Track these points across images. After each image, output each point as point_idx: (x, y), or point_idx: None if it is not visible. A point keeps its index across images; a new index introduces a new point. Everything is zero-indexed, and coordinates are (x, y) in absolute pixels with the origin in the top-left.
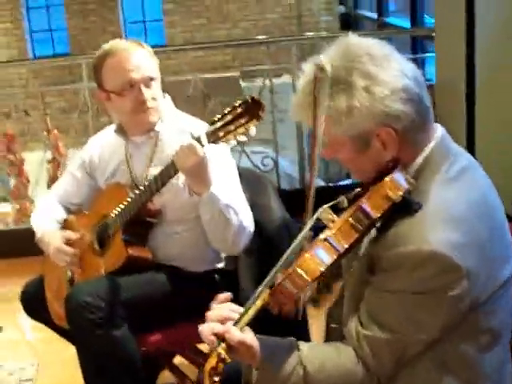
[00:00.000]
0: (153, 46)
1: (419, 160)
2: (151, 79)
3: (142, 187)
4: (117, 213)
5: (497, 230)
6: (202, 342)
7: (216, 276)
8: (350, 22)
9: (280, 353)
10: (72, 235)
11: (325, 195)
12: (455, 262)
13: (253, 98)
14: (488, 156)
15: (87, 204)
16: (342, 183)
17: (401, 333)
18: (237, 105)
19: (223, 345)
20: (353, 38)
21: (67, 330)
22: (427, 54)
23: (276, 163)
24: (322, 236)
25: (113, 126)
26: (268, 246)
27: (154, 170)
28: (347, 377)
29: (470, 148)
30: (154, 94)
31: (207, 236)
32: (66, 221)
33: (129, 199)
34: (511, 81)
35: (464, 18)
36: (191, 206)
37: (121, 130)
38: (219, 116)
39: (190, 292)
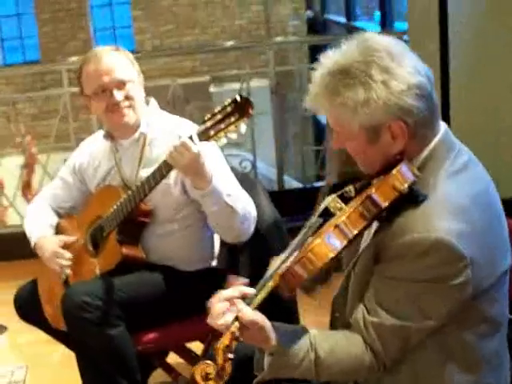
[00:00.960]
0: None
1: (424, 153)
2: (124, 83)
3: (134, 188)
4: (111, 214)
5: (497, 221)
6: (191, 341)
7: (209, 275)
8: (317, 27)
9: (293, 337)
10: (67, 239)
11: (301, 196)
12: (460, 250)
13: (241, 97)
14: None
15: (77, 208)
16: (317, 185)
17: (406, 319)
18: (226, 104)
19: (236, 323)
20: (371, 35)
21: (61, 331)
22: None
23: (254, 166)
24: (332, 222)
25: (101, 132)
26: (260, 243)
27: (145, 172)
28: (355, 362)
29: None
30: (129, 95)
31: (214, 229)
32: (58, 225)
33: (122, 200)
34: (485, 83)
35: (437, 20)
36: (182, 204)
37: (109, 135)
38: (209, 115)
39: (184, 291)
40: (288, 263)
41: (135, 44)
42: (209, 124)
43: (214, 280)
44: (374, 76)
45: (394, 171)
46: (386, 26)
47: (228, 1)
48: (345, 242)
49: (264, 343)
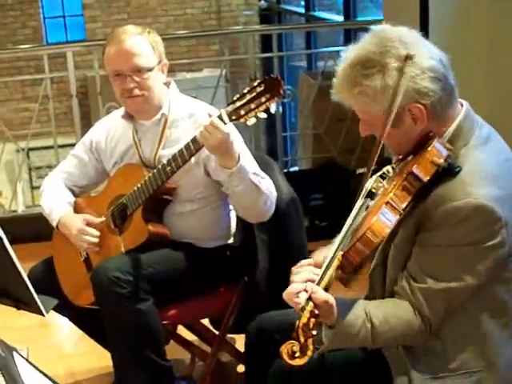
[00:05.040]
0: (73, 41)
1: (451, 130)
2: (140, 70)
3: (160, 166)
4: (136, 192)
5: None
6: (210, 315)
7: (226, 252)
8: (271, 17)
9: (350, 309)
10: (92, 218)
11: None
12: (497, 213)
13: (270, 76)
14: None
15: (91, 186)
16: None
17: (451, 282)
18: (255, 84)
19: (311, 303)
20: (385, 27)
21: (75, 311)
22: None
23: None
24: (380, 200)
25: (119, 112)
26: (278, 220)
27: (164, 152)
28: (406, 327)
29: None
30: (143, 84)
31: (235, 208)
32: (75, 203)
33: (147, 178)
34: (465, 74)
35: (418, 9)
36: (203, 185)
37: (128, 115)
38: (238, 95)
39: (204, 267)
40: (349, 243)
41: (86, 33)
42: (238, 104)
43: (230, 257)
44: (389, 64)
45: (429, 148)
46: (349, 16)
47: None
48: (397, 217)
49: (329, 318)
